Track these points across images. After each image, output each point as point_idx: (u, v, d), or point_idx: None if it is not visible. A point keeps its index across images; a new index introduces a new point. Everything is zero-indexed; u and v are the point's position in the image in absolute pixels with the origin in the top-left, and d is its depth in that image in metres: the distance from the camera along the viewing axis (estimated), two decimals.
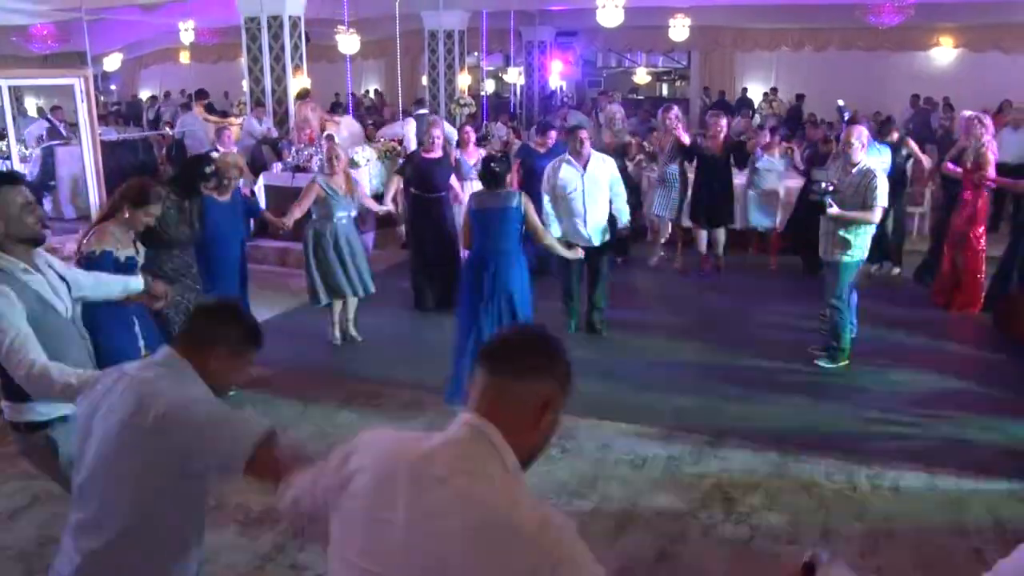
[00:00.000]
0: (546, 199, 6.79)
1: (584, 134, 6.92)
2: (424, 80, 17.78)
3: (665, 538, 4.11)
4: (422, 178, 7.63)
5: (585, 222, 6.74)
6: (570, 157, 6.78)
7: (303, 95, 11.75)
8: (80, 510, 2.21)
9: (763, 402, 5.74)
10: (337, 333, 6.89)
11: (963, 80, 17.11)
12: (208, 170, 5.58)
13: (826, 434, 5.26)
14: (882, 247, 8.10)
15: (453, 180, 7.91)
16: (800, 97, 17.78)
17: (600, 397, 5.64)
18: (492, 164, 5.67)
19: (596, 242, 6.81)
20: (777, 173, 9.30)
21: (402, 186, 8.06)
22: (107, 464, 2.14)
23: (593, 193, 6.72)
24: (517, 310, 5.48)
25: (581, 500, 4.46)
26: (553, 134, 8.59)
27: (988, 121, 7.42)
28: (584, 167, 6.73)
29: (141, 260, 4.32)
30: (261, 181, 9.75)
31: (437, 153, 7.67)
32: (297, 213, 6.60)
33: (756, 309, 7.85)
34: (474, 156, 8.29)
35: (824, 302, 6.30)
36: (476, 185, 7.86)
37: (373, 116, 15.46)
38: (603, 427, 5.32)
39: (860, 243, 6.06)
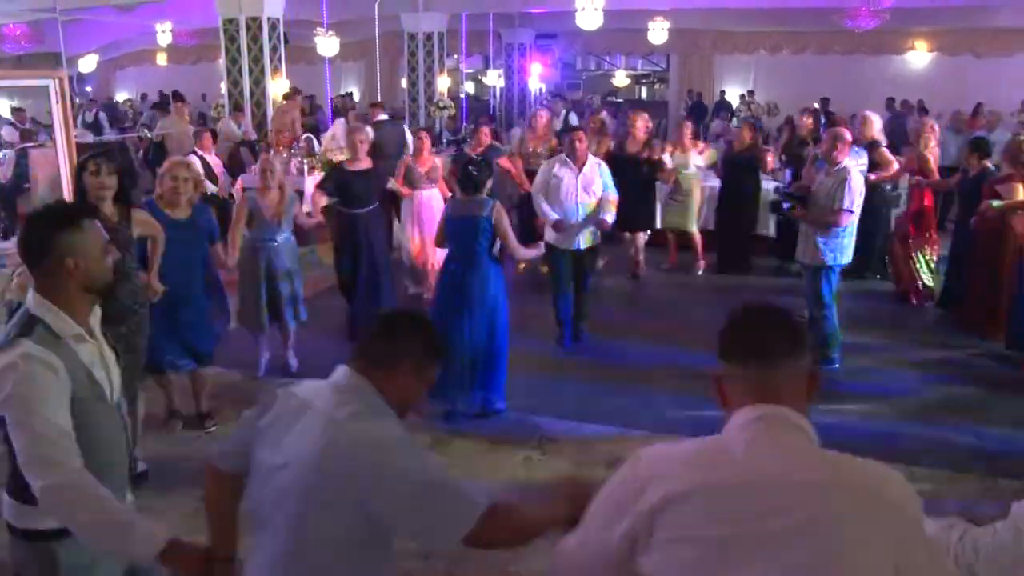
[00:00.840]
0: (541, 199, 6.62)
1: (581, 135, 6.80)
2: (403, 82, 17.76)
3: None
4: (345, 192, 6.76)
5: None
6: (566, 158, 6.65)
7: (290, 96, 11.71)
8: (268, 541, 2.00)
9: None
10: (263, 363, 6.23)
11: (937, 84, 17.32)
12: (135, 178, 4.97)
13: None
14: (867, 258, 8.10)
15: (402, 188, 7.65)
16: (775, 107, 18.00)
17: (580, 399, 5.64)
18: (470, 168, 5.51)
19: (583, 245, 6.69)
20: (695, 174, 9.15)
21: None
22: (288, 513, 1.93)
23: (585, 196, 6.58)
24: (492, 320, 5.39)
25: None
26: (486, 130, 8.43)
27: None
28: (579, 169, 6.59)
29: None
30: (240, 183, 9.69)
31: (363, 164, 6.81)
32: (237, 243, 5.88)
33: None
34: (428, 163, 7.96)
35: (808, 309, 6.29)
36: (430, 194, 7.80)
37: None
38: (583, 429, 5.33)
39: (834, 247, 6.02)
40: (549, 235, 6.56)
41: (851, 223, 6.03)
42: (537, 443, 5.15)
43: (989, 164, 7.19)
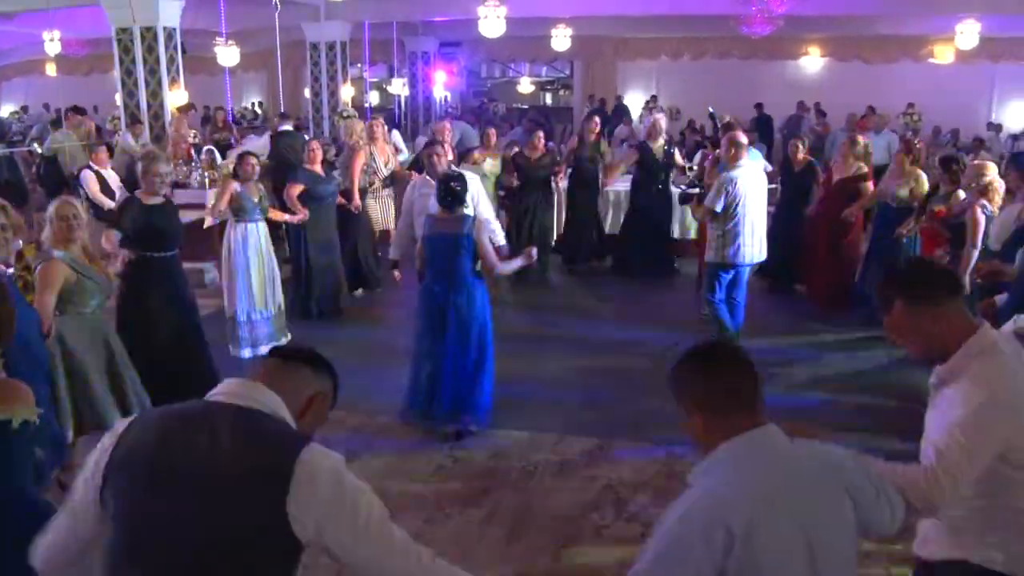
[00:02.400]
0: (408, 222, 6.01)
1: (438, 150, 6.38)
2: (307, 92, 17.52)
3: (559, 541, 4.16)
4: (143, 232, 5.44)
5: None
6: (427, 177, 6.01)
7: (185, 109, 11.43)
8: None
9: (650, 403, 5.86)
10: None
11: (830, 87, 18.03)
12: None
13: None
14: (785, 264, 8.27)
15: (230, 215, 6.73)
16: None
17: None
18: (452, 183, 5.15)
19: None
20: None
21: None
22: None
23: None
24: (481, 340, 5.24)
25: (475, 508, 4.47)
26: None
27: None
28: None
29: None
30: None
31: (158, 197, 5.60)
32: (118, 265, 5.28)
33: (637, 313, 8.04)
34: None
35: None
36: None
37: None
38: (495, 435, 5.34)
39: (712, 244, 6.43)
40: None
41: (731, 225, 6.27)
42: (449, 451, 5.15)
43: (810, 158, 8.66)
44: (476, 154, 9.13)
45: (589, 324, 7.66)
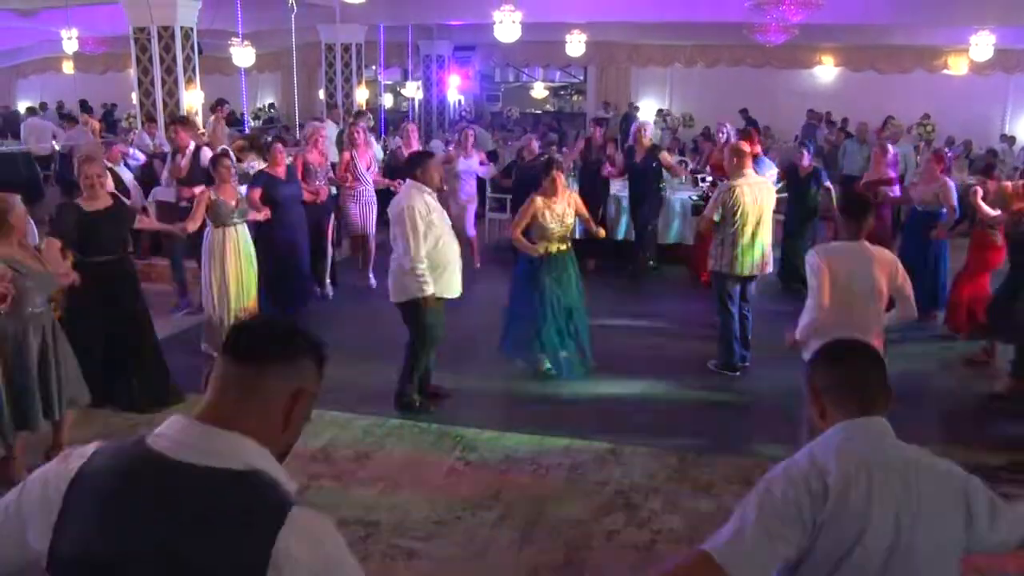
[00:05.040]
0: (419, 242, 5.39)
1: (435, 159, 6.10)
2: (321, 94, 17.58)
3: (570, 546, 4.16)
4: (87, 237, 5.40)
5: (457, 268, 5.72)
6: (422, 184, 5.51)
7: (215, 107, 11.49)
8: None
9: (662, 409, 5.88)
10: None
11: (843, 97, 18.04)
12: None
13: (723, 437, 5.43)
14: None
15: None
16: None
17: (501, 409, 5.67)
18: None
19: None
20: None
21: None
22: None
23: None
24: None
25: (486, 512, 4.48)
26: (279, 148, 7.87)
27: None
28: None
29: None
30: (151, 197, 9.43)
31: (101, 202, 5.50)
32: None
33: (651, 319, 8.05)
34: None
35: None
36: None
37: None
38: (505, 439, 5.35)
39: (713, 253, 6.45)
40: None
41: (730, 234, 6.30)
42: (460, 454, 5.16)
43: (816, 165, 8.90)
44: (451, 152, 9.55)
45: (599, 327, 7.67)
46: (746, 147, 6.54)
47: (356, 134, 8.69)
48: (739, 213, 6.19)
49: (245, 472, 1.46)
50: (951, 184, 7.71)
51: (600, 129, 10.45)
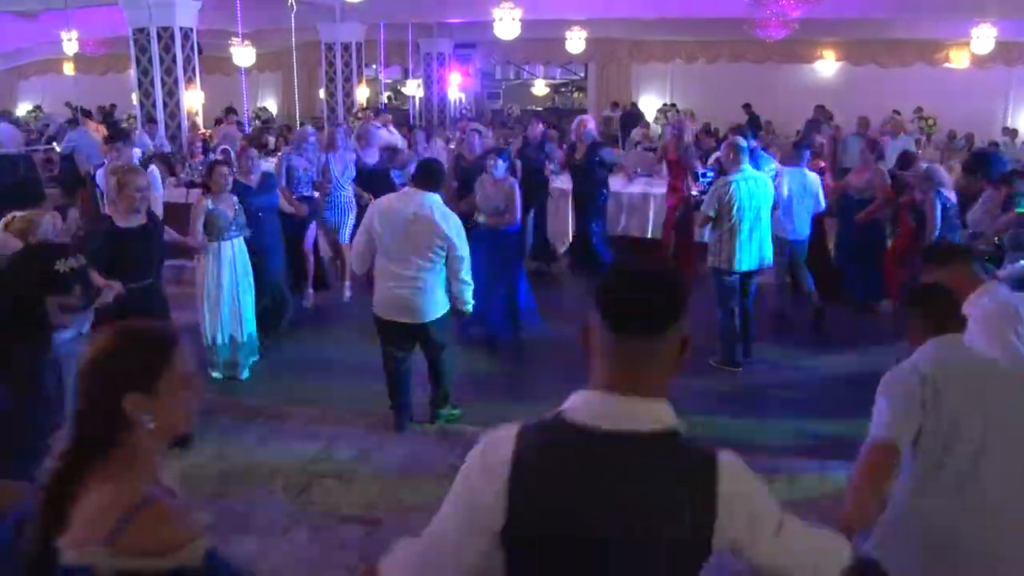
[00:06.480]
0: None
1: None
2: (322, 93, 17.60)
3: None
4: (118, 258, 4.90)
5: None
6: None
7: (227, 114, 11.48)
8: None
9: None
10: None
11: (845, 91, 17.96)
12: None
13: (723, 434, 5.41)
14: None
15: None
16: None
17: (502, 408, 5.68)
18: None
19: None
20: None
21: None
22: None
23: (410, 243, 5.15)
24: None
25: None
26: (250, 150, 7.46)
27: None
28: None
29: None
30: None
31: (136, 219, 5.04)
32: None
33: None
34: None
35: None
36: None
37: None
38: None
39: (713, 250, 6.43)
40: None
41: (726, 230, 6.29)
42: (460, 453, 5.14)
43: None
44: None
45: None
46: (742, 142, 6.54)
47: (334, 136, 8.16)
48: (735, 208, 6.19)
49: (668, 432, 1.57)
50: (885, 172, 8.04)
51: (541, 125, 10.13)
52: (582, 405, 1.61)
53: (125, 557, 1.53)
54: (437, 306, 5.19)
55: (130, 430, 1.64)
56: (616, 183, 9.84)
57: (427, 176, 5.12)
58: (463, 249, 5.11)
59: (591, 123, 9.22)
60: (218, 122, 11.58)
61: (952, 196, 6.98)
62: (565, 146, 10.08)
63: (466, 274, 5.18)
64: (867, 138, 10.89)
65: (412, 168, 6.88)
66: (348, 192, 8.20)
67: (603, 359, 1.60)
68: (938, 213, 6.67)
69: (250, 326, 6.29)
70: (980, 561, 2.44)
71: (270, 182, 7.12)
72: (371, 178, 8.48)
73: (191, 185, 9.25)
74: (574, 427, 1.58)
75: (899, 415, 2.46)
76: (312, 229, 8.03)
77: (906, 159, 8.36)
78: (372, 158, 8.78)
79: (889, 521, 2.56)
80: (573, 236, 9.72)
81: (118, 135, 8.43)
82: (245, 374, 6.30)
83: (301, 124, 12.39)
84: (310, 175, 7.96)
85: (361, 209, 7.94)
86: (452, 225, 5.05)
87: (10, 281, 4.23)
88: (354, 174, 8.27)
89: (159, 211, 7.69)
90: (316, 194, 8.01)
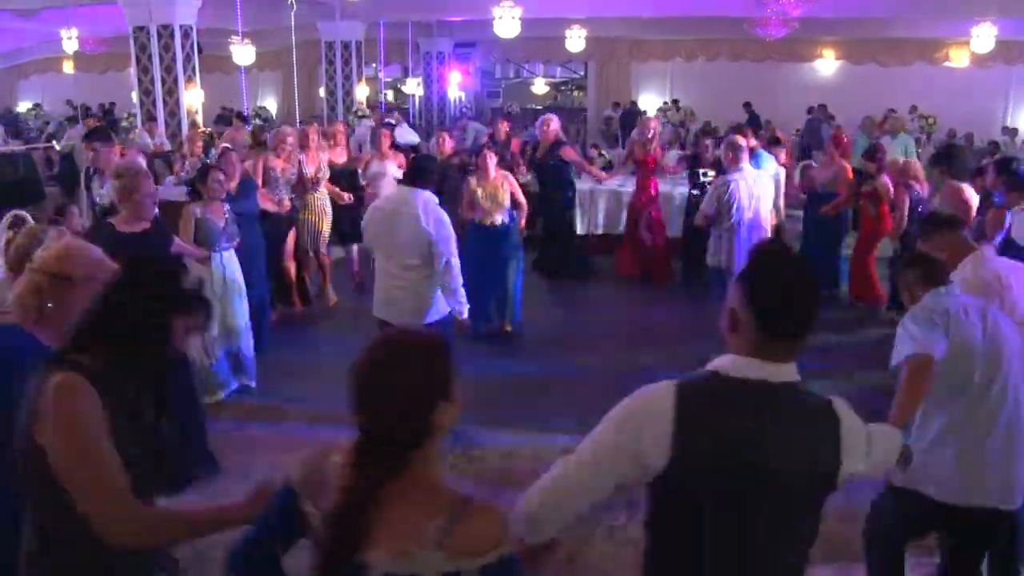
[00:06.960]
0: None
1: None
2: (322, 91, 17.59)
3: (571, 542, 4.16)
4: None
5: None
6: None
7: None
8: None
9: None
10: None
11: (844, 90, 18.00)
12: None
13: None
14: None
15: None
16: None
17: (502, 404, 5.68)
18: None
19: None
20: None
21: None
22: None
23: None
24: None
25: None
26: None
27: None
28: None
29: None
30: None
31: (140, 223, 4.81)
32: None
33: (656, 316, 8.05)
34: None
35: None
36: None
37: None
38: (508, 434, 5.35)
39: (710, 248, 6.51)
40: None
41: (725, 229, 6.33)
42: (462, 450, 5.16)
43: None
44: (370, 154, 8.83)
45: (603, 322, 7.69)
46: (741, 141, 6.56)
47: (309, 136, 7.79)
48: (735, 207, 6.20)
49: (797, 383, 1.86)
50: (847, 168, 8.30)
51: (507, 123, 9.92)
52: (730, 365, 1.85)
53: (453, 559, 1.60)
54: (433, 308, 5.04)
55: (433, 436, 1.72)
56: (587, 182, 9.71)
57: (417, 173, 5.04)
58: (446, 249, 4.86)
59: (555, 123, 8.93)
60: (218, 120, 11.57)
61: (923, 189, 7.18)
62: (527, 145, 9.97)
63: (452, 280, 4.91)
64: (871, 137, 10.94)
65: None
66: (321, 195, 7.79)
67: (747, 344, 1.85)
68: (907, 204, 6.90)
69: (245, 339, 5.90)
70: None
71: (248, 184, 6.69)
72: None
73: (191, 184, 9.18)
74: (729, 379, 1.84)
75: (928, 333, 2.91)
76: (291, 238, 7.63)
77: (872, 151, 8.31)
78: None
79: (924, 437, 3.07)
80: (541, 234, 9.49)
81: (96, 133, 7.90)
82: (253, 382, 6.06)
83: (301, 123, 12.39)
84: (289, 175, 7.51)
85: (338, 211, 7.97)
86: (434, 222, 4.84)
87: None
88: (327, 174, 7.91)
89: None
90: (292, 196, 7.57)
